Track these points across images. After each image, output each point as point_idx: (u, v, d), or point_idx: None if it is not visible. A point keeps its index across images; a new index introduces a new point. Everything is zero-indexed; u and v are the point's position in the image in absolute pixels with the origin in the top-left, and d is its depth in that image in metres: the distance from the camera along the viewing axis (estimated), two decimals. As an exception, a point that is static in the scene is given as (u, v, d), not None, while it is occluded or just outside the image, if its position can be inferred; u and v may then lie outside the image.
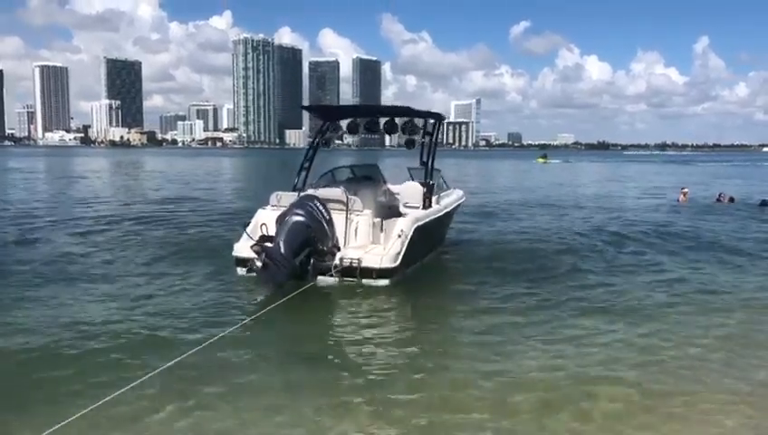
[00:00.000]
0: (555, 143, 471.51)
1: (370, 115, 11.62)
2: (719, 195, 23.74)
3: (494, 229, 15.73)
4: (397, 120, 11.11)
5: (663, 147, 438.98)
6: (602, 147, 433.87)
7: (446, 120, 12.68)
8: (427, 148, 11.11)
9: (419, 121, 11.03)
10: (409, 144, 11.52)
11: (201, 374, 5.63)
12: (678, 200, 23.79)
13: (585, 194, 29.76)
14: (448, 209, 11.64)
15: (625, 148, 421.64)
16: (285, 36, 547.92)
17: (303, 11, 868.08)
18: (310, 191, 10.12)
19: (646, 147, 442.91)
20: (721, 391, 5.54)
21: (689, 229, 15.87)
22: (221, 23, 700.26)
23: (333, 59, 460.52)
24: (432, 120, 11.18)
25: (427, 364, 6.17)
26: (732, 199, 22.97)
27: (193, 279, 9.42)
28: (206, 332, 6.66)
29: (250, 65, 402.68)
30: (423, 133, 11.06)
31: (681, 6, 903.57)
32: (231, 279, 9.23)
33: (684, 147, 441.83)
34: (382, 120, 11.28)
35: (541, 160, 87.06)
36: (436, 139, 11.26)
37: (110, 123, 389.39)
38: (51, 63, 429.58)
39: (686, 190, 24.91)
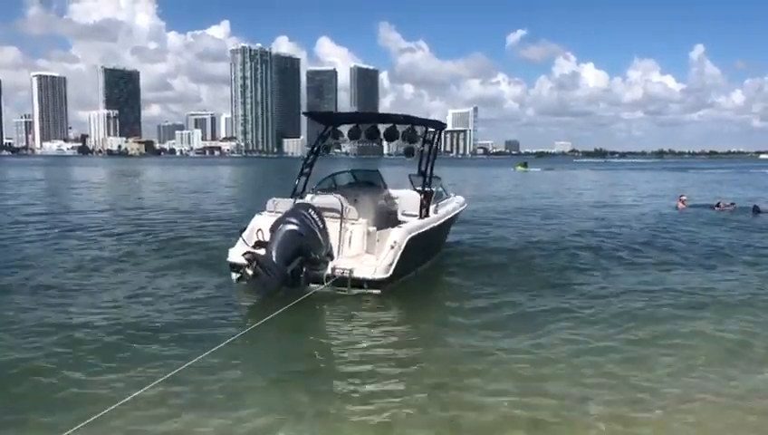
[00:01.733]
0: (553, 151, 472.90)
1: (371, 122, 11.53)
2: (718, 202, 23.73)
3: (488, 237, 15.63)
4: (398, 127, 11.00)
5: (660, 154, 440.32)
6: (600, 154, 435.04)
7: (445, 129, 12.59)
8: (426, 156, 11.01)
9: (420, 129, 10.94)
10: (408, 153, 11.42)
11: (195, 388, 5.55)
12: (677, 207, 23.78)
13: (580, 202, 29.71)
14: (446, 219, 11.53)
15: (623, 155, 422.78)
16: (283, 45, 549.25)
17: (300, 20, 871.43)
18: (308, 198, 10.11)
19: (643, 154, 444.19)
20: (718, 396, 5.59)
21: (689, 236, 15.84)
22: (219, 32, 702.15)
23: (331, 68, 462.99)
24: (432, 129, 11.11)
25: (422, 377, 6.15)
26: (732, 205, 23.07)
27: (188, 289, 9.32)
28: (198, 345, 6.55)
29: (248, 74, 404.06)
30: (422, 141, 10.93)
31: (676, 15, 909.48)
32: (226, 290, 9.17)
33: (681, 154, 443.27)
34: (383, 128, 11.16)
35: (520, 168, 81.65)
36: (436, 147, 11.18)
37: (108, 133, 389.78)
38: (49, 73, 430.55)
39: (684, 197, 24.92)
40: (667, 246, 14.39)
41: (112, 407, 4.83)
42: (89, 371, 5.91)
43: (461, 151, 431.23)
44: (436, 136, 11.16)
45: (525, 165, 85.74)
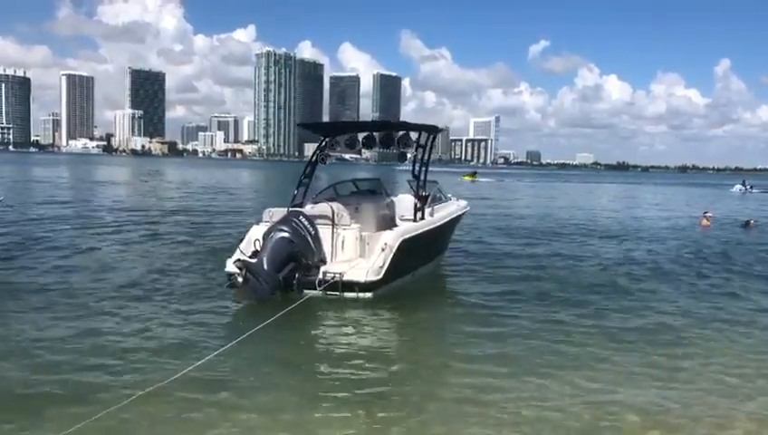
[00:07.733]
0: (575, 162, 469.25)
1: (366, 130, 11.56)
2: (748, 221, 23.46)
3: (494, 245, 15.52)
4: (393, 133, 11.01)
5: (684, 169, 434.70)
6: (622, 168, 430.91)
7: (439, 133, 12.56)
8: (419, 160, 11.04)
9: (415, 135, 10.99)
10: (401, 157, 11.50)
11: (184, 398, 5.48)
12: (701, 225, 23.26)
13: (598, 217, 29.20)
14: (443, 221, 11.52)
15: (646, 169, 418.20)
16: (306, 50, 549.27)
17: (324, 26, 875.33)
18: (307, 208, 10.23)
19: (666, 169, 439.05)
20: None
21: (717, 255, 15.35)
22: (244, 36, 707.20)
23: (354, 74, 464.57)
24: (426, 133, 11.18)
25: (412, 381, 6.21)
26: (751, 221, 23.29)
27: (183, 298, 9.20)
28: (188, 354, 6.48)
29: (272, 78, 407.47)
30: (416, 146, 10.97)
31: (702, 29, 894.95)
32: (221, 299, 9.10)
33: (705, 169, 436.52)
34: (378, 135, 11.14)
35: (467, 178, 79.55)
36: (430, 151, 11.32)
37: (133, 132, 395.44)
38: (77, 73, 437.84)
39: (709, 214, 24.37)
40: (689, 266, 13.88)
41: (105, 411, 4.84)
42: (82, 374, 5.92)
43: (481, 160, 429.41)
44: (430, 140, 11.24)
45: (474, 175, 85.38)
